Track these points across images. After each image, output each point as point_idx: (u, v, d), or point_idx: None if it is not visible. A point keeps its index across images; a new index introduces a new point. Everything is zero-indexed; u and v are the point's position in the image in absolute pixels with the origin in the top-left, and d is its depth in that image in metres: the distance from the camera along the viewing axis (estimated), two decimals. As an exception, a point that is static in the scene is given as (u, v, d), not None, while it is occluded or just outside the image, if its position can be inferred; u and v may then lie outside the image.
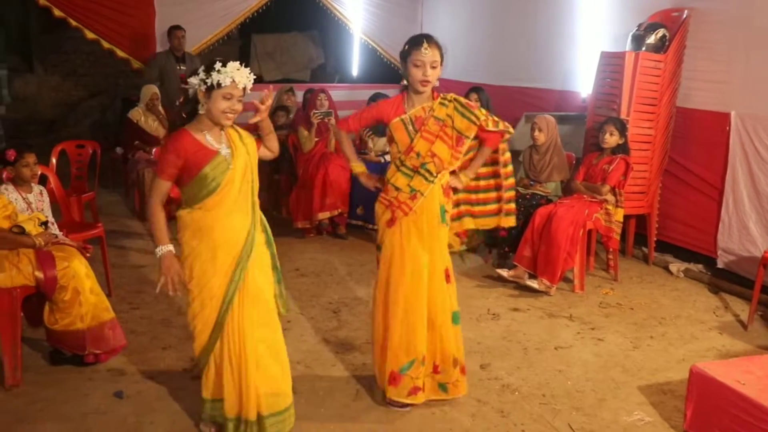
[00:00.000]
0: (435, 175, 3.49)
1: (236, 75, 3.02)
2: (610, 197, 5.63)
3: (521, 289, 5.51)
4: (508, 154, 3.83)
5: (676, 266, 6.11)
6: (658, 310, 5.25)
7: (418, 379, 3.57)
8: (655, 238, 6.33)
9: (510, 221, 3.89)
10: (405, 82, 3.55)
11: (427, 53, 3.36)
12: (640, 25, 6.11)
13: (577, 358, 4.38)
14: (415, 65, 3.40)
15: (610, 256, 5.96)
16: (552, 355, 4.42)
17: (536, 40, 8.01)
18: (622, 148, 5.66)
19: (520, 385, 4.00)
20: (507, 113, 7.48)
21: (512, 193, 3.88)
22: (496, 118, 3.62)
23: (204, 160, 3.07)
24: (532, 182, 6.01)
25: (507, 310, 5.15)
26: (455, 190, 3.72)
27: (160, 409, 3.61)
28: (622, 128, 5.65)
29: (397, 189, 3.52)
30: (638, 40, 6.04)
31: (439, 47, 3.42)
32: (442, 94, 3.54)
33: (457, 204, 3.84)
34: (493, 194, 3.88)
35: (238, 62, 3.07)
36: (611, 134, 5.61)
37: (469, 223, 3.90)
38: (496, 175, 3.86)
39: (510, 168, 3.85)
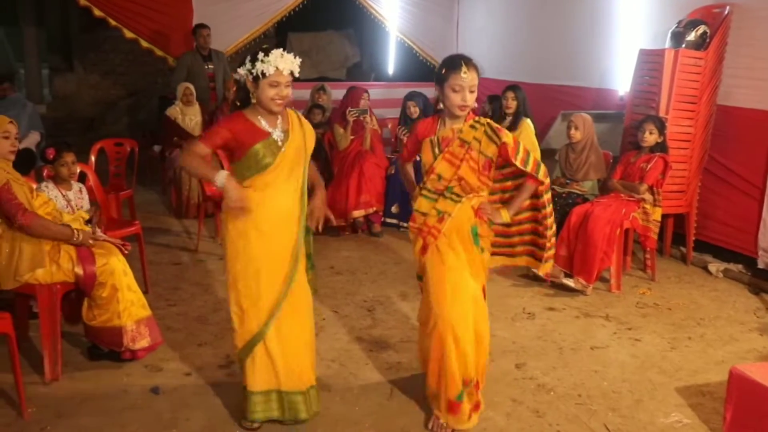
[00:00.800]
0: (462, 196, 3.36)
1: (279, 62, 3.10)
2: (647, 196, 5.56)
3: (557, 288, 5.46)
4: (548, 195, 3.58)
5: (715, 266, 6.01)
6: (696, 311, 5.17)
7: (473, 396, 3.47)
8: (693, 238, 6.24)
9: (546, 268, 3.74)
10: (441, 105, 3.42)
11: (467, 77, 3.21)
12: (679, 22, 6.01)
13: (613, 359, 4.33)
14: (453, 90, 3.24)
15: (648, 256, 5.88)
16: (588, 356, 4.38)
17: (573, 38, 7.93)
18: (661, 147, 5.58)
19: (555, 385, 3.97)
20: (543, 111, 7.48)
21: (553, 240, 3.70)
22: (529, 156, 3.39)
23: (256, 138, 3.16)
24: (568, 181, 5.96)
25: (542, 310, 5.11)
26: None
27: (195, 405, 3.64)
28: (661, 126, 5.58)
29: (423, 214, 3.41)
30: (678, 37, 5.95)
31: (476, 69, 3.28)
32: (475, 117, 3.40)
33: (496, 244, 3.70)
34: (528, 230, 3.73)
35: (281, 49, 3.15)
36: (651, 133, 5.54)
37: (502, 261, 3.80)
38: (534, 210, 3.67)
39: (550, 209, 3.61)
